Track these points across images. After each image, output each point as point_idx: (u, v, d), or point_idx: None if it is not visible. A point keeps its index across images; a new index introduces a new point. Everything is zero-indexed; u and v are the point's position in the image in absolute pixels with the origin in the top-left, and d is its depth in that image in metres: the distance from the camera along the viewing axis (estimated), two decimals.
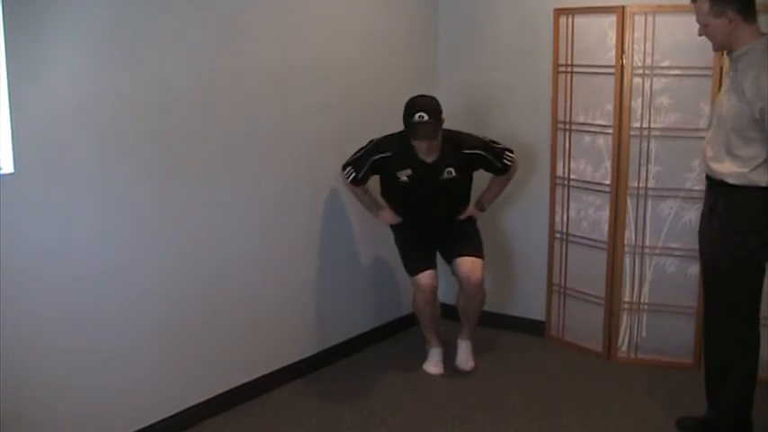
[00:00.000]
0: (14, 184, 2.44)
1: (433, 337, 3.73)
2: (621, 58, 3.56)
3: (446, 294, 3.81)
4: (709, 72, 3.42)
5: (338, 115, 3.65)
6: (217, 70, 3.05)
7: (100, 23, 2.64)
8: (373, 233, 3.86)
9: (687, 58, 3.44)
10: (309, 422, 3.19)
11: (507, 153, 3.55)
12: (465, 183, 3.60)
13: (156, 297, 2.94)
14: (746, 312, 2.79)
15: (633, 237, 3.67)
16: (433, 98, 3.40)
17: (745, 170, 2.64)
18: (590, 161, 3.76)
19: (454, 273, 3.60)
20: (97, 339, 2.75)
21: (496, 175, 3.63)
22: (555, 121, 3.87)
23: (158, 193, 2.91)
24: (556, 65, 3.82)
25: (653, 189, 3.61)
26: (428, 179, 3.47)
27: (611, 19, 3.57)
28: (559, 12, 3.77)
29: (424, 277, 3.51)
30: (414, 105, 3.34)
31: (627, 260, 3.70)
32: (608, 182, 3.69)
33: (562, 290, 4.00)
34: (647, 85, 3.54)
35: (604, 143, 3.68)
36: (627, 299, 3.74)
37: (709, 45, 2.78)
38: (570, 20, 3.73)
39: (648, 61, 3.52)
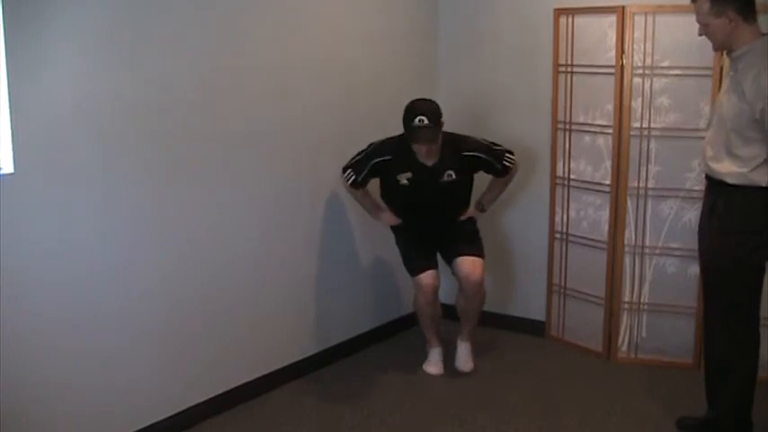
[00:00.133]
0: (14, 184, 2.44)
1: (433, 337, 3.73)
2: (621, 58, 3.56)
3: (446, 294, 3.81)
4: (709, 72, 3.42)
5: (338, 115, 3.65)
6: (217, 70, 3.05)
7: (100, 23, 2.64)
8: (373, 233, 3.86)
9: (687, 58, 3.44)
10: (309, 422, 3.19)
11: (507, 155, 3.55)
12: (465, 185, 3.60)
13: (156, 297, 2.94)
14: (746, 312, 2.79)
15: (633, 237, 3.67)
16: (432, 102, 3.39)
17: (744, 170, 2.64)
18: (590, 161, 3.76)
19: (454, 273, 3.60)
20: (97, 339, 2.75)
21: (497, 177, 3.63)
22: (555, 121, 3.87)
23: (158, 193, 2.91)
24: (556, 65, 3.82)
25: (653, 189, 3.61)
26: (428, 182, 3.47)
27: (611, 19, 3.57)
28: (559, 12, 3.77)
29: (426, 277, 3.51)
30: (413, 109, 3.34)
31: (627, 260, 3.70)
32: (608, 182, 3.69)
33: (562, 290, 4.00)
34: (647, 85, 3.54)
35: (604, 143, 3.68)
36: (627, 299, 3.74)
37: (709, 45, 2.78)
38: (570, 20, 3.73)
39: (648, 61, 3.52)
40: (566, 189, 3.89)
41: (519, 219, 4.14)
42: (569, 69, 3.78)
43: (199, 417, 3.14)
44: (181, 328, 3.04)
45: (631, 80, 3.56)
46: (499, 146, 3.56)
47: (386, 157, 3.45)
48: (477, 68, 4.15)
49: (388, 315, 4.12)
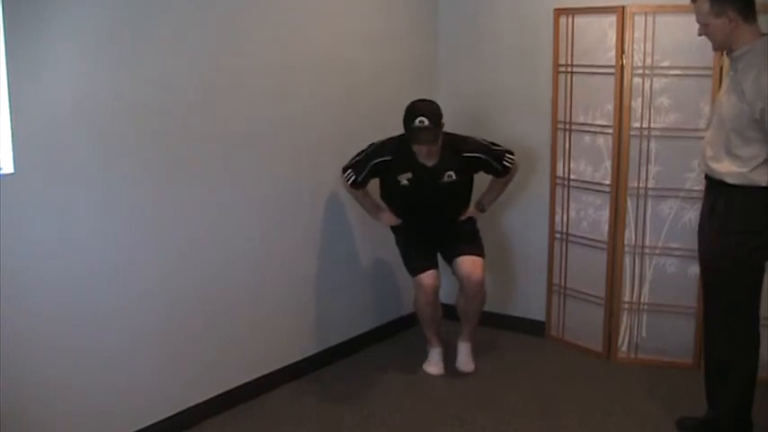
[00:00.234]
0: (14, 184, 2.44)
1: (433, 337, 3.73)
2: (621, 58, 3.56)
3: (447, 294, 3.81)
4: (709, 72, 3.42)
5: (338, 115, 3.65)
6: (217, 70, 3.05)
7: (100, 23, 2.64)
8: (373, 233, 3.86)
9: (687, 58, 3.44)
10: (309, 422, 3.19)
11: (508, 155, 3.55)
12: (465, 185, 3.60)
13: (156, 297, 2.94)
14: (746, 312, 2.79)
15: (633, 237, 3.67)
16: (433, 102, 3.39)
17: (744, 170, 2.64)
18: (590, 161, 3.76)
19: (455, 272, 3.60)
20: (97, 339, 2.75)
21: (497, 177, 3.63)
22: (555, 122, 3.87)
23: (158, 193, 2.91)
24: (556, 65, 3.82)
25: (653, 189, 3.61)
26: (428, 183, 3.47)
27: (611, 19, 3.57)
28: (559, 12, 3.77)
29: (426, 277, 3.51)
30: (414, 110, 3.34)
31: (627, 260, 3.70)
32: (608, 182, 3.69)
33: (562, 290, 4.00)
34: (647, 85, 3.54)
35: (604, 143, 3.68)
36: (627, 299, 3.74)
37: (709, 45, 2.77)
38: (570, 20, 3.73)
39: (648, 61, 3.52)
40: (566, 189, 3.89)
41: (519, 219, 4.14)
42: (569, 69, 3.78)
43: (199, 417, 3.14)
44: (181, 328, 3.04)
45: (631, 80, 3.55)
46: (499, 146, 3.56)
47: (386, 158, 3.45)
48: (477, 68, 4.15)
49: (388, 315, 4.12)
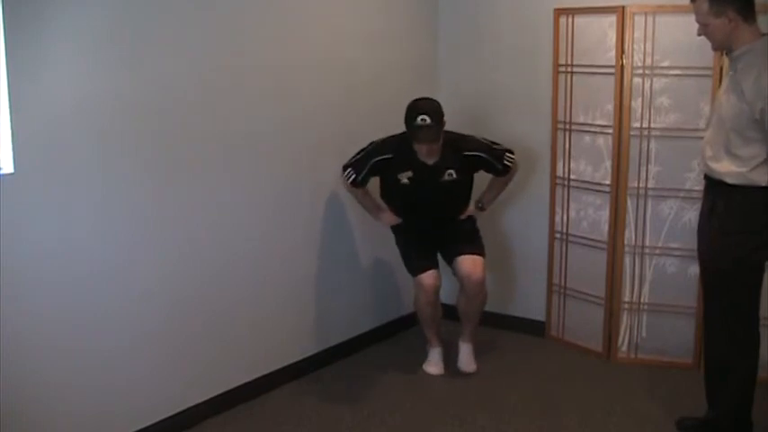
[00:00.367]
0: (14, 184, 2.44)
1: (433, 337, 3.72)
2: (621, 58, 3.56)
3: (447, 294, 3.80)
4: (709, 72, 3.42)
5: (338, 115, 3.65)
6: (217, 70, 3.05)
7: (100, 23, 2.64)
8: (373, 233, 3.86)
9: (687, 58, 3.44)
10: (309, 422, 3.19)
11: (508, 154, 3.55)
12: (465, 184, 3.60)
13: (156, 297, 2.94)
14: (746, 312, 2.79)
15: (633, 237, 3.67)
16: (434, 101, 3.39)
17: (744, 170, 2.64)
18: (590, 161, 3.76)
19: (455, 272, 3.60)
20: (97, 339, 2.75)
21: (497, 176, 3.63)
22: (555, 122, 3.87)
23: (158, 193, 2.91)
24: (556, 65, 3.82)
25: (653, 189, 3.61)
26: (429, 181, 3.47)
27: (611, 19, 3.57)
28: (559, 12, 3.77)
29: (427, 277, 3.51)
30: (415, 108, 3.34)
31: (627, 260, 3.70)
32: (608, 182, 3.69)
33: (562, 290, 4.00)
34: (647, 85, 3.54)
35: (604, 143, 3.68)
36: (627, 299, 3.74)
37: (709, 45, 2.77)
38: (570, 20, 3.73)
39: (648, 61, 3.52)
40: (566, 189, 3.89)
41: (519, 219, 4.14)
42: (569, 69, 3.78)
43: (199, 417, 3.14)
44: (181, 328, 3.04)
45: (631, 80, 3.55)
46: (499, 145, 3.56)
47: (386, 156, 3.45)
48: (477, 68, 4.15)
49: (388, 315, 4.12)
